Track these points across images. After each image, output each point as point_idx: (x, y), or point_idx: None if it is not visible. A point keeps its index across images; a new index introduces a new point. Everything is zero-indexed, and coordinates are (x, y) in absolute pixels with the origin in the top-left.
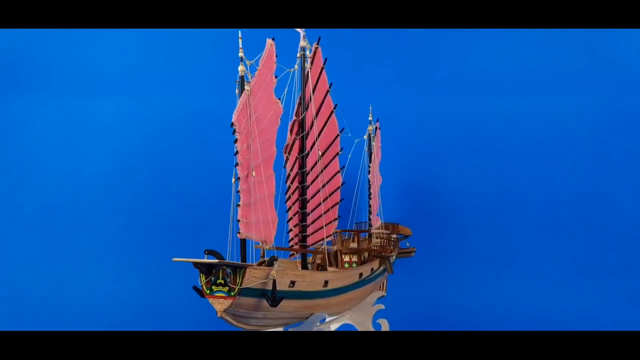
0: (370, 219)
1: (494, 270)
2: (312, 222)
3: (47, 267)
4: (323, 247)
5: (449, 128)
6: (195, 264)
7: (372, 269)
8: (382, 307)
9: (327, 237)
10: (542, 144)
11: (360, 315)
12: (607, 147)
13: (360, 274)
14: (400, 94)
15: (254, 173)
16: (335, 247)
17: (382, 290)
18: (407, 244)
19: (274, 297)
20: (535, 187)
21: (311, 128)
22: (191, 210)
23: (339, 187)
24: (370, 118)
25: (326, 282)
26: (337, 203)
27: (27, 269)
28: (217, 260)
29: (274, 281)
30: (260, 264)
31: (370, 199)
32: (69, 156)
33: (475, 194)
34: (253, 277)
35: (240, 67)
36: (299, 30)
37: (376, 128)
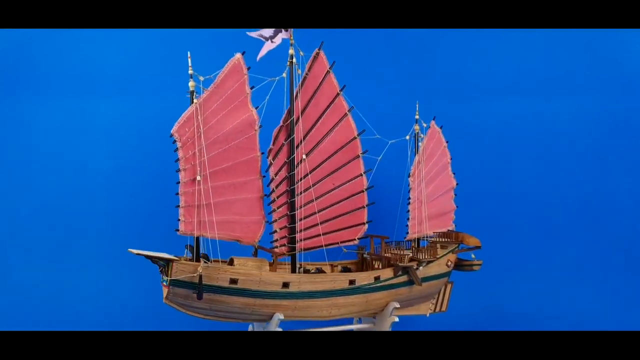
0: (408, 226)
1: (505, 270)
2: (311, 227)
3: (47, 267)
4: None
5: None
6: (146, 257)
7: (376, 277)
8: (396, 319)
9: (344, 241)
10: (540, 144)
11: (380, 323)
12: (607, 147)
13: (352, 281)
14: (401, 94)
15: (199, 177)
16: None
17: (442, 305)
18: (473, 256)
19: (199, 290)
20: (535, 187)
21: (309, 132)
22: None
23: (362, 191)
24: (417, 117)
25: (286, 284)
26: (363, 207)
27: (27, 269)
28: (154, 254)
29: (200, 276)
30: (230, 262)
31: (409, 204)
32: (69, 157)
33: (475, 194)
34: (180, 271)
35: (191, 83)
36: (251, 34)
37: (430, 127)
